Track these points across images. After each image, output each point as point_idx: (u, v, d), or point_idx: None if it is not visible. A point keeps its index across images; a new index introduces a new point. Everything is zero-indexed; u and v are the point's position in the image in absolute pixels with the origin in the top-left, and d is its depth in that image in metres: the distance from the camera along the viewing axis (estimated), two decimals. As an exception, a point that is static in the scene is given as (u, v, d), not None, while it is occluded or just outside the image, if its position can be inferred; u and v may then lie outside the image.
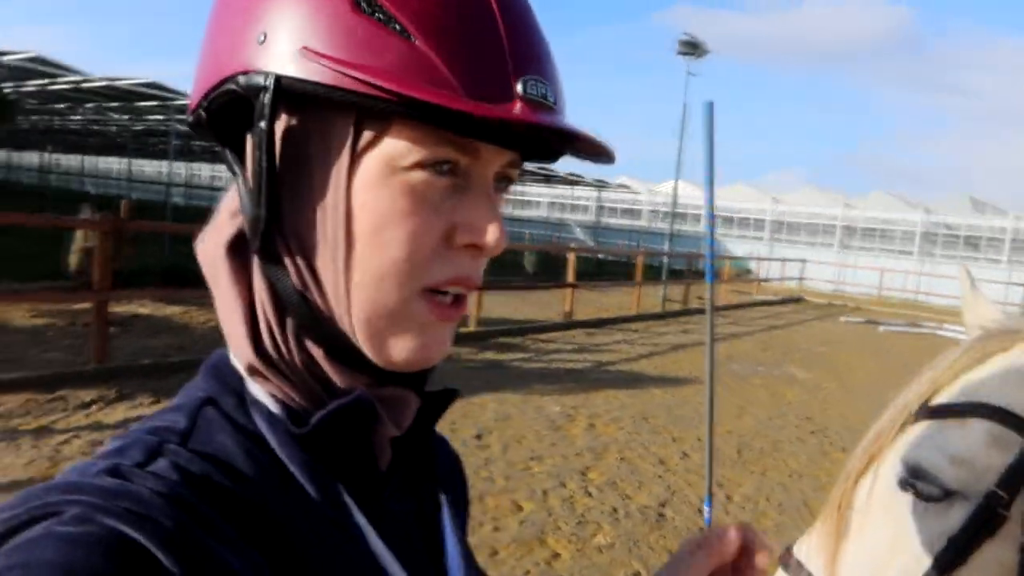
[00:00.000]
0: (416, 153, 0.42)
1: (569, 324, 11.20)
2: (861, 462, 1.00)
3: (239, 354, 0.47)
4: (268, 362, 0.46)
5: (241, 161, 0.46)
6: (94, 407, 5.07)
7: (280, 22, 0.42)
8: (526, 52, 0.44)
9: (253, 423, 0.45)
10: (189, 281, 7.53)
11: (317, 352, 0.46)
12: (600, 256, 26.70)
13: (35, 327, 7.24)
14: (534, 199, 38.86)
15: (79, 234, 8.73)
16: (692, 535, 0.63)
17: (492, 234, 0.45)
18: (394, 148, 0.42)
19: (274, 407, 0.46)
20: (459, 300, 0.46)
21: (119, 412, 5.02)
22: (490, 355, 8.40)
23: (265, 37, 0.42)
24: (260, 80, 0.42)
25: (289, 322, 0.46)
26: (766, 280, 24.67)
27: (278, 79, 0.41)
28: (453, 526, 0.56)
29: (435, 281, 0.44)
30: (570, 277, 11.67)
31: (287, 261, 0.45)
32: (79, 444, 4.34)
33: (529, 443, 5.30)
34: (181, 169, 36.36)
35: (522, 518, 3.99)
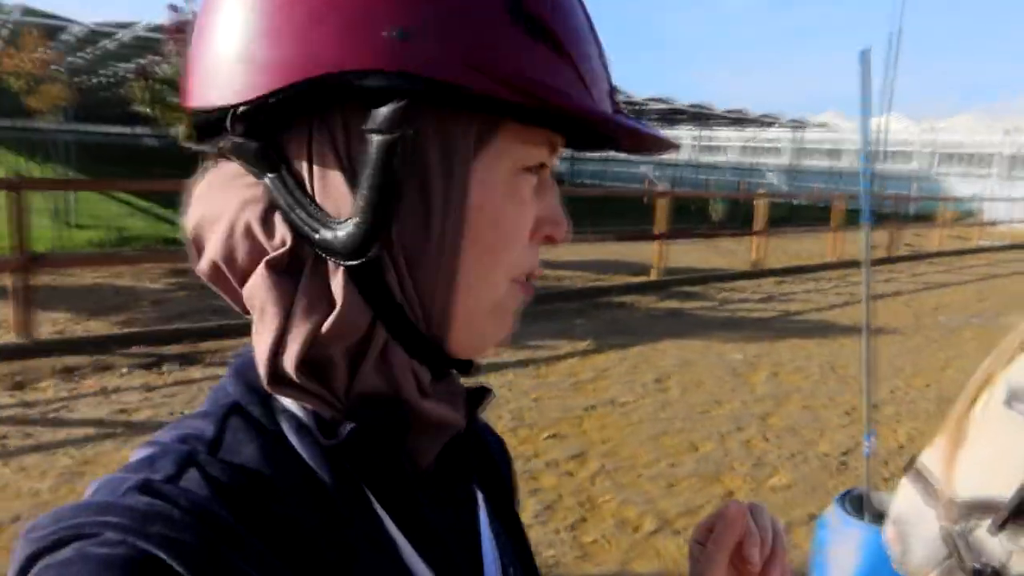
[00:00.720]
0: (523, 153, 0.45)
1: (756, 273, 10.88)
2: (979, 384, 1.12)
3: (266, 372, 0.43)
4: (292, 383, 0.43)
5: (282, 163, 0.42)
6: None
7: (426, 20, 0.39)
8: (607, 67, 0.48)
9: (281, 432, 0.44)
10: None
11: (399, 359, 0.45)
12: (795, 201, 25.07)
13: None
14: (723, 143, 37.07)
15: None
16: (703, 521, 0.57)
17: (563, 228, 0.49)
18: (506, 148, 0.44)
19: (303, 416, 0.45)
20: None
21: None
22: (673, 303, 8.48)
23: (403, 34, 0.38)
24: (400, 83, 0.38)
25: (378, 334, 0.43)
26: (991, 223, 21.77)
27: (431, 83, 0.38)
28: (492, 528, 0.55)
29: (523, 271, 0.47)
30: (758, 224, 11.25)
31: (388, 269, 0.43)
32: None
33: (708, 388, 5.42)
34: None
35: (698, 457, 4.18)
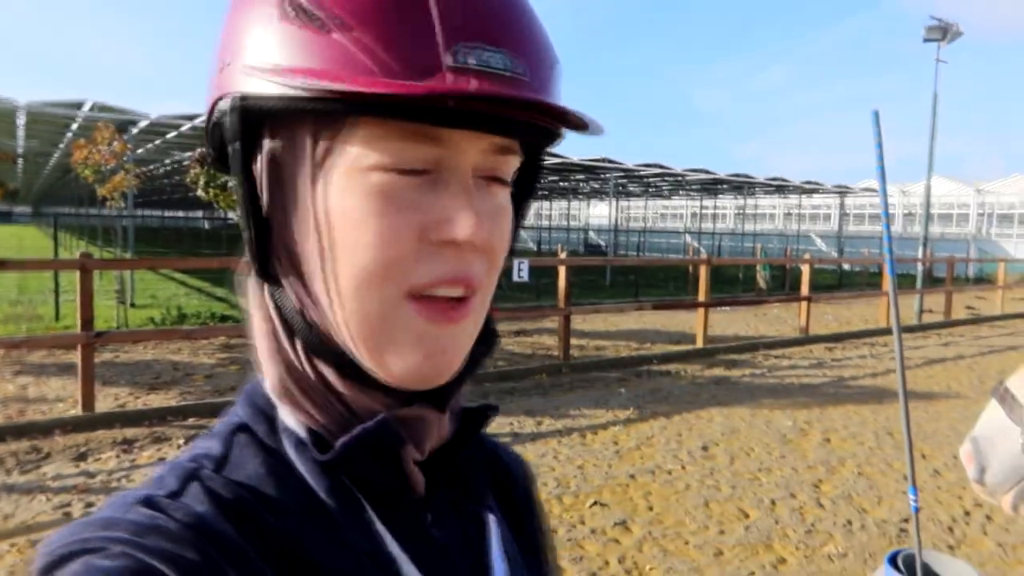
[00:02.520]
0: (375, 152, 0.41)
1: (805, 339, 10.67)
2: None
3: (266, 378, 0.47)
4: (289, 385, 0.46)
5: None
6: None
7: (234, 45, 0.43)
8: (468, 21, 0.40)
9: (283, 449, 0.46)
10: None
11: (329, 372, 0.45)
12: (844, 267, 24.66)
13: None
14: (766, 211, 36.96)
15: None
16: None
17: (463, 226, 0.41)
18: (353, 150, 0.41)
19: (302, 433, 0.46)
20: (460, 302, 0.43)
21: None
22: (718, 371, 8.36)
23: (229, 62, 0.43)
24: (226, 104, 0.42)
25: (299, 344, 0.45)
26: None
27: (239, 98, 0.42)
28: (503, 547, 0.53)
29: (419, 283, 0.42)
30: (804, 289, 11.11)
31: (283, 280, 0.46)
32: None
33: (757, 455, 5.29)
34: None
35: (748, 524, 4.07)
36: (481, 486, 0.55)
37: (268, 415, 0.47)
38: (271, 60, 0.40)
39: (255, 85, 0.41)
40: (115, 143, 10.01)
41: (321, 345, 0.45)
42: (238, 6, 0.44)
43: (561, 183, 29.09)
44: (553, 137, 0.44)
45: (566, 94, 0.45)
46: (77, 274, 5.67)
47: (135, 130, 13.02)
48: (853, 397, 7.23)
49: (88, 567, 0.35)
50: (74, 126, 13.35)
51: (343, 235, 0.41)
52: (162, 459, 4.84)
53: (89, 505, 4.04)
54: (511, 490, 0.61)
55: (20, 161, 11.74)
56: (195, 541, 0.38)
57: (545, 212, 47.53)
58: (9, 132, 15.49)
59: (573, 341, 8.74)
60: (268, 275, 0.46)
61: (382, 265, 0.41)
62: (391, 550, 0.45)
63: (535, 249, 34.43)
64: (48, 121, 13.45)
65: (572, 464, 4.93)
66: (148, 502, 0.40)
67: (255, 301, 0.47)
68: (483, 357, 0.50)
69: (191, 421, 5.68)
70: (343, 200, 0.41)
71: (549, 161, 19.01)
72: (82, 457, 4.82)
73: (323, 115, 0.41)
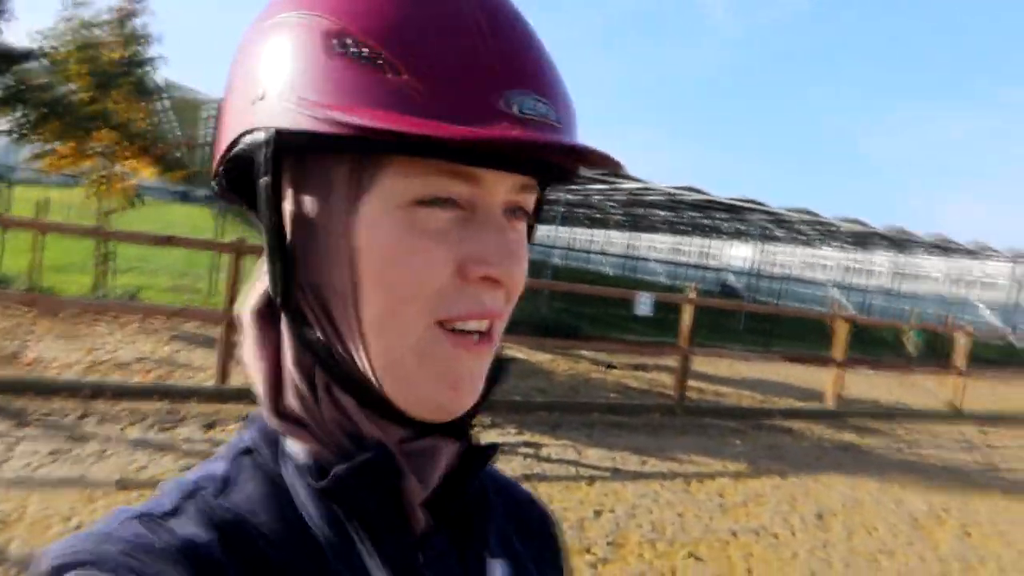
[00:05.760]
0: (413, 188, 0.42)
1: (953, 414, 9.66)
2: None
3: (265, 413, 0.47)
4: (290, 421, 0.46)
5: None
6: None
7: (272, 78, 0.42)
8: (515, 69, 0.41)
9: (285, 475, 0.46)
10: (557, 333, 8.53)
11: (349, 404, 0.46)
12: (1014, 342, 22.17)
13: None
14: (925, 273, 34.06)
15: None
16: None
17: (501, 262, 0.43)
18: (392, 185, 0.42)
19: (303, 459, 0.46)
20: (485, 336, 0.45)
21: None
22: (847, 436, 7.74)
23: (263, 95, 0.43)
24: (260, 136, 0.42)
25: (319, 376, 0.46)
26: None
27: (275, 132, 0.42)
28: None
29: (450, 315, 0.43)
30: (958, 361, 10.08)
31: (308, 313, 0.46)
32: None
33: (880, 535, 4.82)
34: (564, 233, 40.43)
35: (857, 609, 3.71)
36: (486, 529, 0.53)
37: (273, 440, 0.48)
38: (314, 96, 0.40)
39: (295, 120, 0.41)
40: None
41: (345, 376, 0.45)
42: (268, 34, 0.44)
43: (702, 220, 28.33)
44: (573, 175, 0.47)
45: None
46: (232, 256, 6.17)
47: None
48: (1006, 488, 6.43)
49: None
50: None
51: (379, 268, 0.42)
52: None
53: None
54: (539, 536, 0.61)
55: (201, 149, 13.01)
56: (180, 561, 0.39)
57: (683, 247, 46.48)
58: (193, 121, 17.26)
59: (693, 383, 8.41)
60: (291, 307, 0.46)
61: (420, 298, 0.42)
62: None
63: (667, 283, 33.69)
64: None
65: (672, 510, 4.73)
66: (142, 519, 0.41)
67: (256, 337, 0.48)
68: (493, 386, 0.50)
69: (310, 407, 5.99)
70: (380, 234, 0.42)
71: (691, 197, 18.58)
72: (211, 425, 5.21)
73: (366, 152, 0.42)
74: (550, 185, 0.50)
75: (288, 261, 0.45)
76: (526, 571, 0.56)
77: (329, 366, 0.45)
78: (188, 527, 0.41)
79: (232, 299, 6.09)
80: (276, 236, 0.45)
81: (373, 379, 0.45)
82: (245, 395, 5.94)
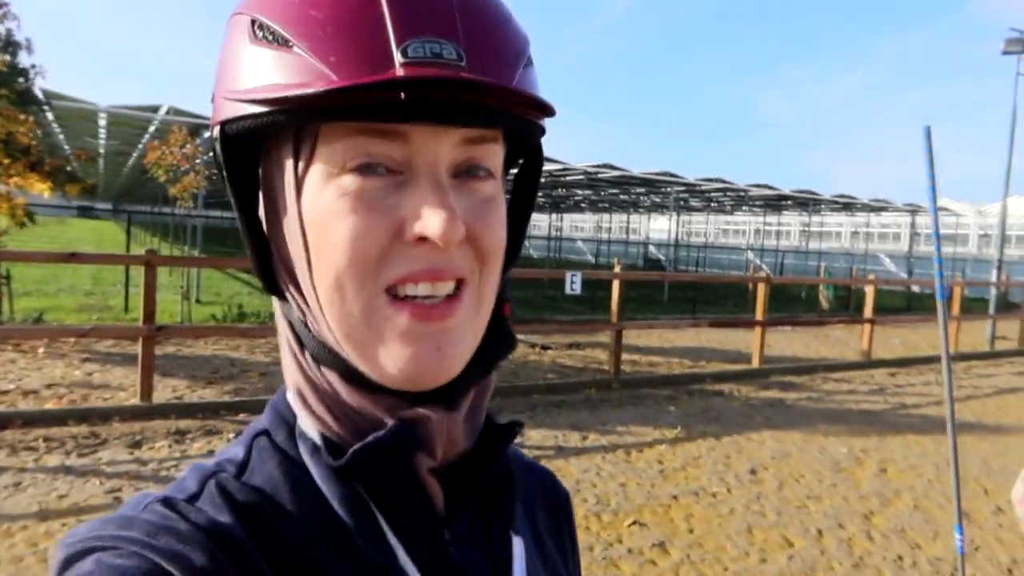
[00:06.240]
0: (341, 154, 0.42)
1: (867, 363, 10.26)
2: None
3: (287, 386, 0.49)
4: (306, 394, 0.47)
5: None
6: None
7: (216, 78, 0.45)
8: (415, 17, 0.40)
9: (300, 455, 0.47)
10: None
11: (335, 379, 0.46)
12: (914, 289, 23.66)
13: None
14: (833, 229, 35.82)
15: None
16: None
17: (433, 222, 0.41)
18: (325, 155, 0.42)
19: (318, 439, 0.46)
20: (449, 299, 0.44)
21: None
22: (772, 393, 8.11)
23: (212, 97, 0.46)
24: (215, 133, 0.45)
25: (307, 353, 0.47)
26: None
27: (220, 128, 0.44)
28: (529, 566, 0.52)
29: (393, 279, 0.42)
30: (867, 311, 10.70)
31: (287, 293, 0.48)
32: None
33: (807, 482, 5.10)
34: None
35: (791, 553, 3.91)
36: (512, 507, 0.53)
37: (288, 422, 0.48)
38: (242, 83, 0.43)
39: (231, 110, 0.43)
40: (187, 146, 10.43)
41: (325, 353, 0.46)
42: (224, 38, 0.46)
43: (621, 196, 28.87)
44: (520, 123, 0.44)
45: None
46: (143, 269, 5.91)
47: (207, 134, 13.56)
48: (914, 426, 6.90)
49: (100, 564, 0.37)
50: (151, 128, 13.98)
51: (321, 238, 0.43)
52: (211, 451, 4.97)
53: (139, 490, 4.18)
54: (557, 512, 0.62)
55: (101, 160, 12.35)
56: (205, 543, 0.39)
57: (605, 225, 47.27)
58: (92, 132, 16.35)
59: (626, 356, 8.62)
60: (276, 290, 0.48)
61: (357, 263, 0.42)
62: (402, 564, 0.45)
63: (592, 262, 34.24)
64: (127, 123, 14.13)
65: (614, 481, 4.85)
66: (165, 503, 0.41)
67: (278, 316, 0.50)
68: (498, 358, 0.49)
69: (242, 416, 5.82)
70: (319, 204, 0.43)
71: (609, 174, 18.89)
72: (137, 445, 5.00)
73: (299, 129, 0.43)
74: (521, 138, 0.48)
75: (259, 246, 0.47)
76: (546, 547, 0.57)
77: (309, 344, 0.47)
78: (211, 509, 0.42)
79: (148, 313, 5.83)
80: (245, 224, 0.46)
81: (341, 352, 0.45)
82: (172, 410, 5.73)
